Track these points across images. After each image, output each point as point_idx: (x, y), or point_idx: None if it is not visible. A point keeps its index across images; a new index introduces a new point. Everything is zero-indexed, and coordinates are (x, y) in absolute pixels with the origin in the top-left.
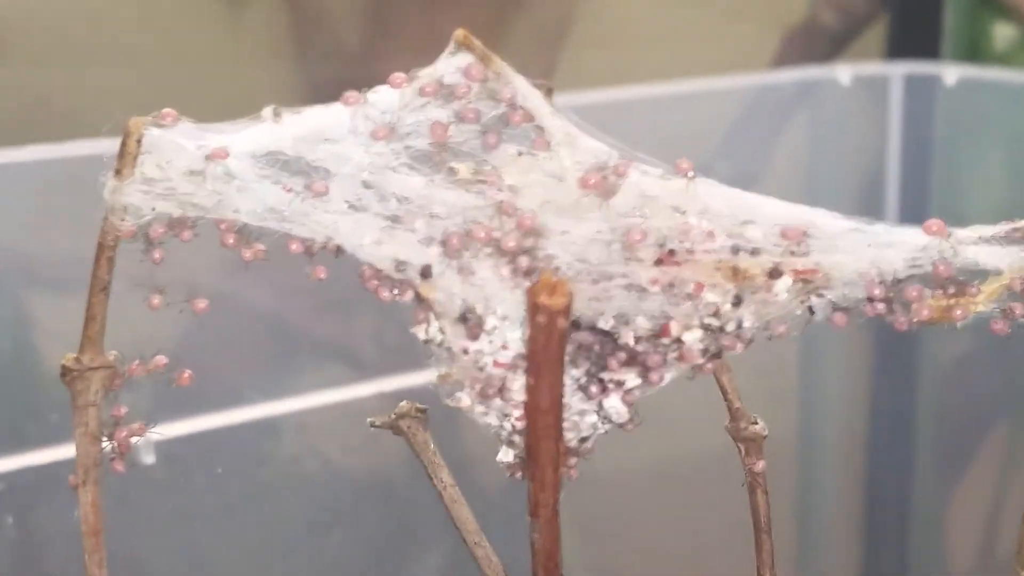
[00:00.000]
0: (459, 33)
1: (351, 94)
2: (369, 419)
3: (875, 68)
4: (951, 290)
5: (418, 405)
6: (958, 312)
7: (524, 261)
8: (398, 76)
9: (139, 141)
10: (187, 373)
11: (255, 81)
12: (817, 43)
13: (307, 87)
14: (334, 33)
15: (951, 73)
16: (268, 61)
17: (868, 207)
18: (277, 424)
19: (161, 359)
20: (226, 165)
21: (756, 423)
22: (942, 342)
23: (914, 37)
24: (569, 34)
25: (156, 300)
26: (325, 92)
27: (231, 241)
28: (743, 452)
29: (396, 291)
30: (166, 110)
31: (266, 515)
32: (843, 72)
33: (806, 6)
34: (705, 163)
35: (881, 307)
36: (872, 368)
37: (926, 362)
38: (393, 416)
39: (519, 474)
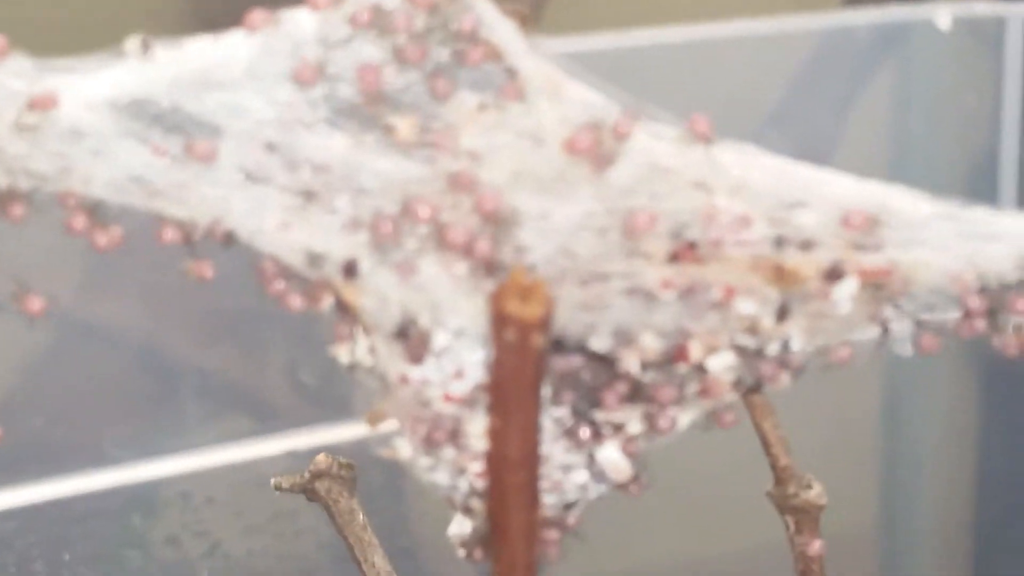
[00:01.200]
0: None
1: (258, 14)
2: (274, 479)
3: (985, 6)
4: None
5: (341, 460)
6: None
7: (484, 250)
8: None
9: None
10: None
11: (118, 9)
12: None
13: (196, 21)
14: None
15: None
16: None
17: (975, 191)
18: (151, 492)
19: None
20: (73, 117)
21: (811, 487)
22: None
23: None
24: None
25: None
26: (221, 27)
27: (79, 224)
28: (791, 527)
29: (309, 296)
30: None
31: None
32: (942, 11)
33: None
34: (753, 132)
35: (981, 324)
36: (978, 418)
37: None
38: (307, 475)
39: (478, 553)
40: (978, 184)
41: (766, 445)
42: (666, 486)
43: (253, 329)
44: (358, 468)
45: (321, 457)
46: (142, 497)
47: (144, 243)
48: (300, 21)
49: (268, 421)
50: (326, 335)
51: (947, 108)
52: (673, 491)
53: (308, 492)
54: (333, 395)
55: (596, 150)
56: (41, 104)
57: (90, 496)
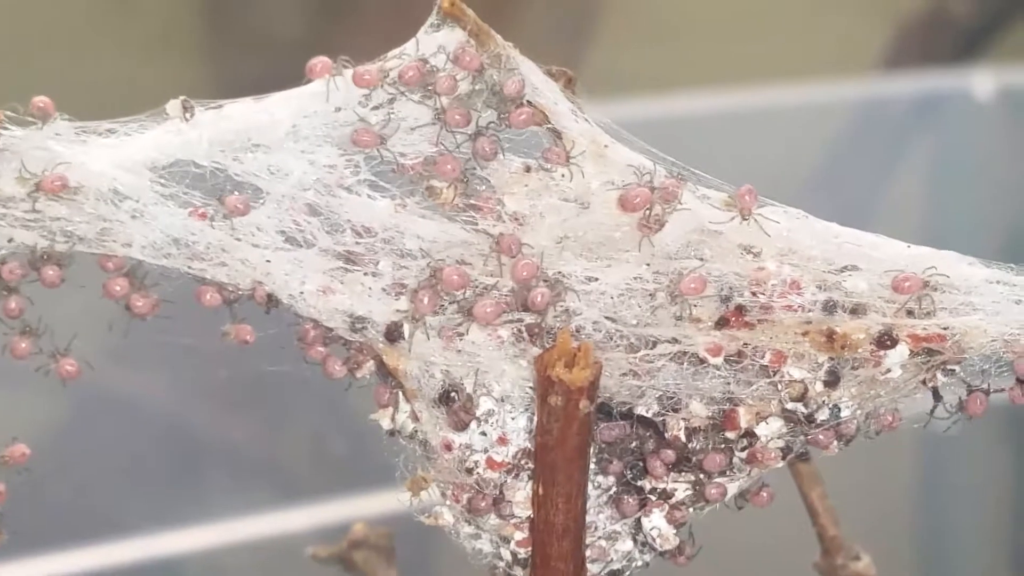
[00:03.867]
0: None
1: (319, 61)
2: (312, 549)
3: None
4: None
5: (380, 529)
6: None
7: (530, 319)
8: (366, 70)
9: None
10: None
11: (142, 77)
12: (943, 41)
13: (217, 84)
14: (265, 21)
15: None
16: (163, 53)
17: (1015, 261)
18: (176, 565)
19: None
20: (112, 179)
21: (859, 558)
22: None
23: None
24: (598, 23)
25: (23, 346)
26: (245, 91)
27: (118, 288)
28: None
29: (351, 362)
30: (37, 98)
31: None
32: (980, 81)
33: None
34: (795, 197)
35: None
36: (1018, 491)
37: None
38: (344, 545)
39: None
40: (1018, 254)
41: (813, 515)
42: (711, 556)
43: (285, 401)
44: (397, 537)
45: (359, 526)
46: (167, 570)
47: (170, 310)
48: (341, 84)
49: (297, 491)
50: (361, 408)
51: (986, 177)
52: (718, 562)
53: (346, 562)
54: (369, 464)
55: (644, 212)
56: (50, 188)
57: (114, 570)
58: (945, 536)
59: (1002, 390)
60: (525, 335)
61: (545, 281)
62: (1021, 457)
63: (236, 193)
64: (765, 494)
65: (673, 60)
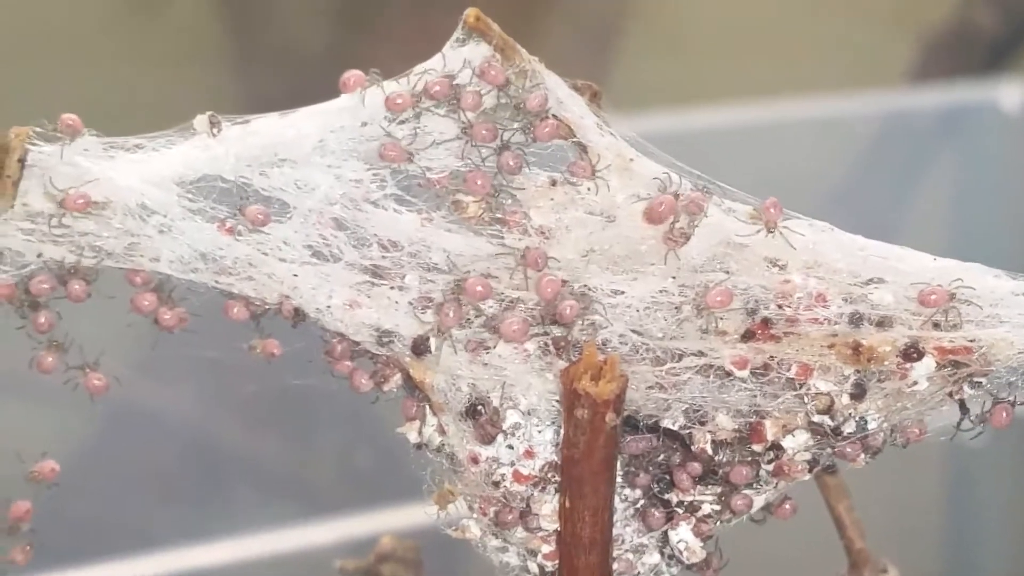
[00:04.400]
0: (471, 12)
1: (353, 75)
2: (339, 562)
3: None
4: None
5: (407, 542)
6: None
7: (557, 332)
8: (398, 95)
9: (22, 161)
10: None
11: (168, 90)
12: (971, 53)
13: (242, 97)
14: (288, 35)
15: None
16: (187, 67)
17: None
18: None
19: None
20: (140, 194)
21: (886, 571)
22: None
23: None
24: (623, 36)
25: (50, 360)
26: (269, 105)
27: (146, 303)
28: None
29: (378, 376)
30: (66, 115)
31: None
32: (1007, 93)
33: (955, 4)
34: (819, 210)
35: None
36: None
37: None
38: (372, 558)
39: None
40: None
41: (840, 528)
42: (739, 570)
43: (311, 416)
44: (425, 550)
45: (386, 539)
46: None
47: (197, 324)
48: (368, 98)
49: (323, 505)
50: (387, 422)
51: (1012, 189)
52: (746, 575)
53: (373, 575)
54: (395, 479)
55: (670, 226)
56: (73, 207)
57: None
58: (972, 549)
59: None
60: (552, 348)
61: (572, 294)
62: None
63: (256, 204)
64: (788, 506)
65: (698, 73)
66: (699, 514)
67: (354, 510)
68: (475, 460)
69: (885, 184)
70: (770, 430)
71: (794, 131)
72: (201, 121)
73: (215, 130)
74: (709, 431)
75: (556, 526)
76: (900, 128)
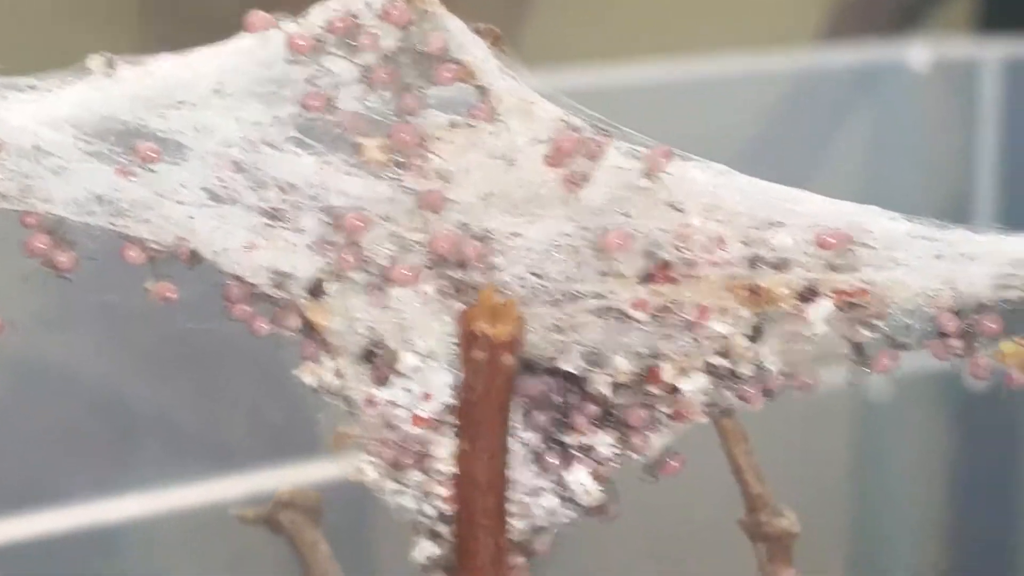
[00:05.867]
0: None
1: (257, 16)
2: (237, 511)
3: (960, 48)
4: None
5: (307, 491)
6: None
7: (455, 274)
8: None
9: None
10: None
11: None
12: (880, 14)
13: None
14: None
15: None
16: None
17: None
18: (110, 534)
19: None
20: (35, 135)
21: (783, 515)
22: None
23: (1015, 7)
24: None
25: None
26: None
27: (40, 244)
28: (763, 556)
29: (276, 319)
30: None
31: None
32: (917, 53)
33: None
34: (733, 167)
35: (958, 346)
36: (951, 451)
37: None
38: (270, 506)
39: None
40: (953, 222)
41: (738, 472)
42: (636, 514)
43: (216, 366)
44: (324, 509)
45: (285, 489)
46: (101, 538)
47: (101, 277)
48: (268, 39)
49: (231, 459)
50: (291, 371)
51: (921, 149)
52: (643, 520)
53: (271, 523)
54: (298, 433)
55: (570, 169)
56: None
57: (48, 538)
58: (876, 500)
59: (925, 346)
60: (450, 291)
61: (472, 236)
62: (954, 423)
63: (148, 142)
64: (676, 462)
65: (612, 31)
66: (596, 456)
67: (263, 464)
68: (372, 403)
69: (799, 142)
70: (668, 372)
71: (708, 89)
72: (96, 61)
73: (111, 70)
74: (607, 373)
75: (453, 469)
76: (812, 87)
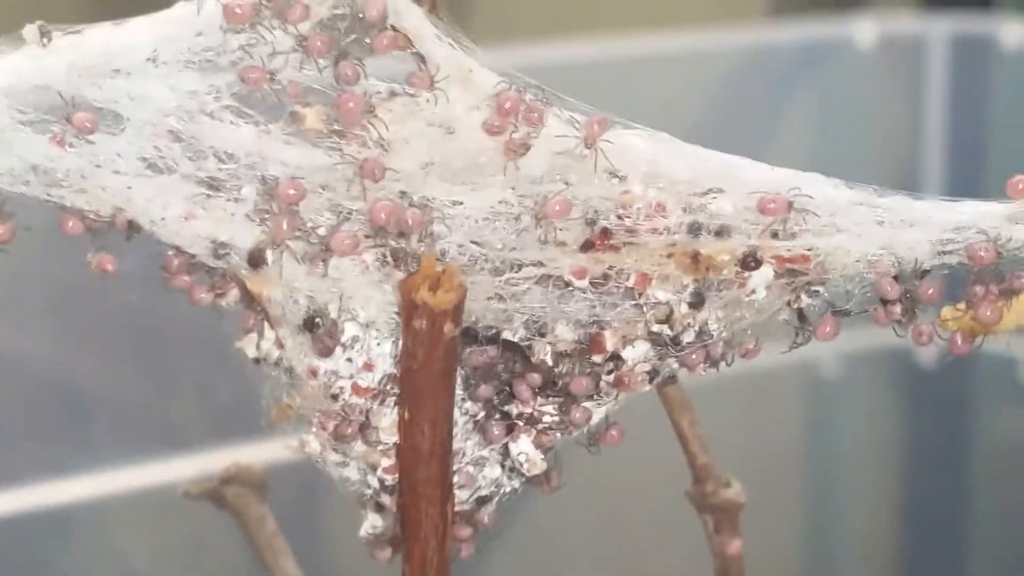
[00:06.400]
0: None
1: None
2: (183, 488)
3: (906, 24)
4: (995, 288)
5: (252, 467)
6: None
7: (395, 243)
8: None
9: None
10: None
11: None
12: None
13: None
14: None
15: (1011, 32)
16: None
17: None
18: (61, 514)
19: None
20: None
21: (729, 485)
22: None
23: None
24: None
25: None
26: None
27: None
28: (710, 527)
29: (215, 289)
30: None
31: None
32: (863, 29)
33: None
34: None
35: (897, 312)
36: (903, 425)
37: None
38: (216, 482)
39: (387, 552)
40: None
41: (683, 442)
42: (581, 485)
43: (165, 344)
44: (273, 488)
45: (231, 464)
46: (54, 519)
47: (48, 256)
48: (204, 7)
49: (182, 439)
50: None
51: (868, 125)
52: (589, 490)
53: (217, 499)
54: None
55: (510, 135)
56: None
57: None
58: (827, 473)
59: (866, 311)
60: (390, 259)
61: (412, 204)
62: (904, 398)
63: (84, 112)
64: (615, 432)
65: (560, 8)
66: (539, 426)
67: (212, 444)
68: (313, 373)
69: (746, 118)
70: (610, 340)
71: (656, 66)
72: (31, 31)
73: (45, 40)
74: (549, 342)
75: (396, 439)
76: (760, 63)
